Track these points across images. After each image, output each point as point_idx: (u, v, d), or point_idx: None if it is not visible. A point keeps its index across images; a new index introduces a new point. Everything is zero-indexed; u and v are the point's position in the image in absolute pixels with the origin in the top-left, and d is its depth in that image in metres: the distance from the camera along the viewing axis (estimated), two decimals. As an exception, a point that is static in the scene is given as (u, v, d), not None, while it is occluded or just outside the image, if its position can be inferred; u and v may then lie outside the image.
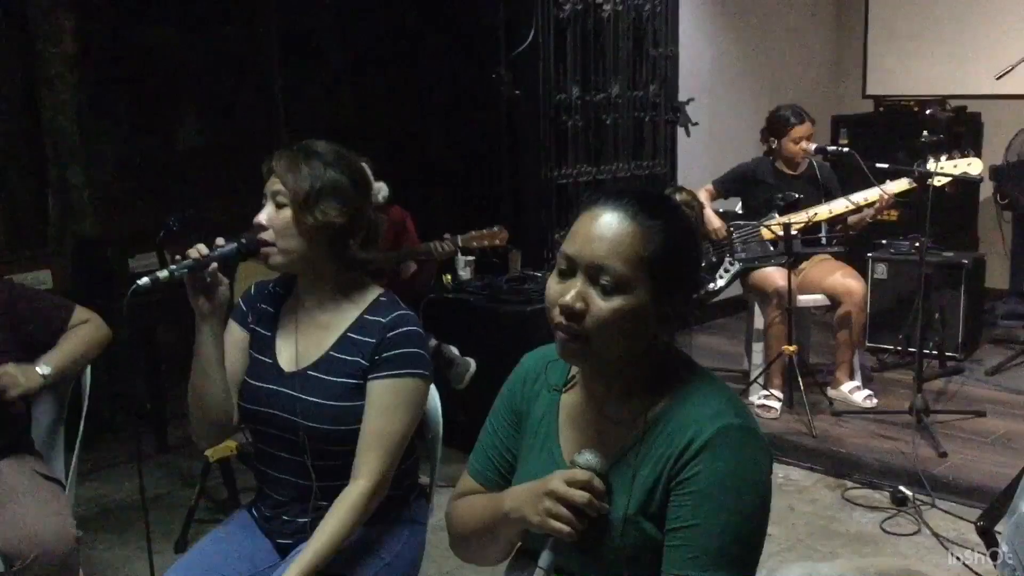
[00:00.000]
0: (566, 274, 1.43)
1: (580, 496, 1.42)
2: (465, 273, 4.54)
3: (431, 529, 2.16)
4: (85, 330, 2.63)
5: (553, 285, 1.45)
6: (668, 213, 1.45)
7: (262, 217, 1.94)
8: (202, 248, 1.88)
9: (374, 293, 2.02)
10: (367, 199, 1.99)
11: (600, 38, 5.01)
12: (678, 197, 1.54)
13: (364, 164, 2.03)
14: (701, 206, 1.57)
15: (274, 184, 1.93)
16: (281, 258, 1.93)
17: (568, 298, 1.41)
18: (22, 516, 2.33)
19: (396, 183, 3.89)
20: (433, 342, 3.95)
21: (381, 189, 2.06)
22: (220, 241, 1.91)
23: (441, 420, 2.27)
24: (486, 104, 4.91)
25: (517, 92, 4.70)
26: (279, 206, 1.92)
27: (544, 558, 1.44)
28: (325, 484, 1.96)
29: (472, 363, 3.95)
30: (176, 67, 5.03)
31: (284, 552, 2.02)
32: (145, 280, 1.83)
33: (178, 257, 1.88)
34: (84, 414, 2.69)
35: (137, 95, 4.95)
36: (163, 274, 1.83)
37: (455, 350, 4.00)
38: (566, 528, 1.42)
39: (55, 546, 2.30)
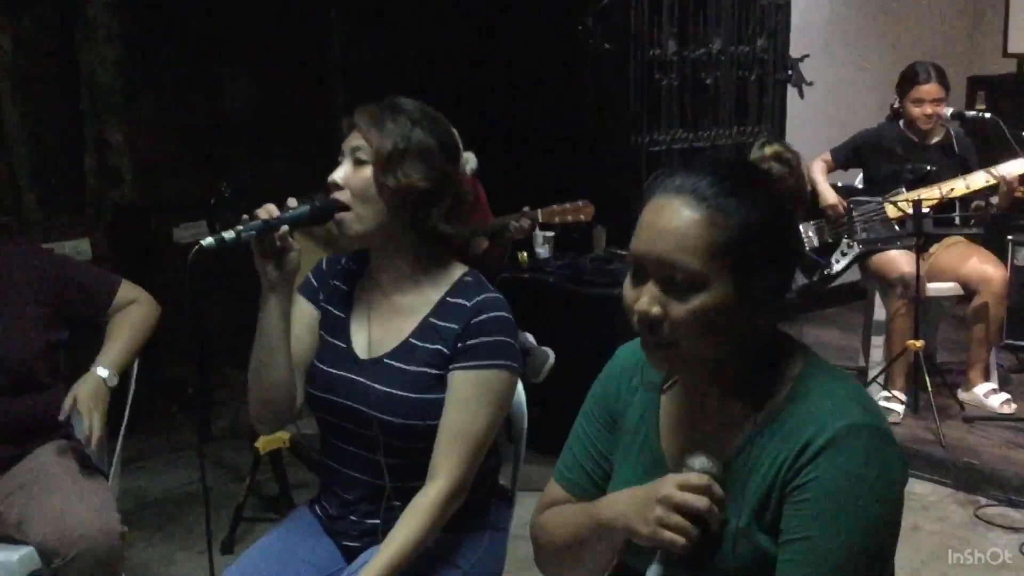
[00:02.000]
0: (638, 276, 1.41)
1: (699, 501, 1.40)
2: (543, 251, 4.54)
3: (512, 537, 2.16)
4: (136, 313, 2.67)
5: (627, 289, 1.43)
6: (743, 186, 1.41)
7: (338, 176, 1.94)
8: (272, 208, 1.89)
9: (458, 272, 2.01)
10: (455, 165, 1.99)
11: (701, -16, 4.96)
12: (766, 151, 1.50)
13: (453, 130, 2.03)
14: (796, 155, 1.52)
15: (355, 139, 1.94)
16: (357, 224, 1.93)
17: (642, 306, 1.39)
18: (63, 509, 2.37)
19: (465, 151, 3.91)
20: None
21: (469, 159, 2.06)
22: (292, 202, 1.92)
23: (526, 417, 2.27)
24: (569, 61, 4.89)
25: (606, 47, 4.66)
26: (358, 163, 1.93)
27: (652, 573, 1.43)
28: (399, 484, 1.97)
29: (551, 353, 3.94)
30: (228, 17, 5.10)
31: (350, 555, 2.04)
32: (210, 240, 1.84)
33: (245, 217, 1.88)
34: (130, 400, 2.75)
35: (183, 46, 5.02)
36: (229, 235, 1.83)
37: (531, 338, 4.00)
38: (681, 539, 1.40)
39: (99, 543, 2.34)
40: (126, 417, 2.75)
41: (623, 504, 1.49)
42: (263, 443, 3.55)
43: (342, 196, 1.93)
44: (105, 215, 4.48)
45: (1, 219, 2.65)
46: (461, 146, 2.04)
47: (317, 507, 2.14)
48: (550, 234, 4.48)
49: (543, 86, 5.32)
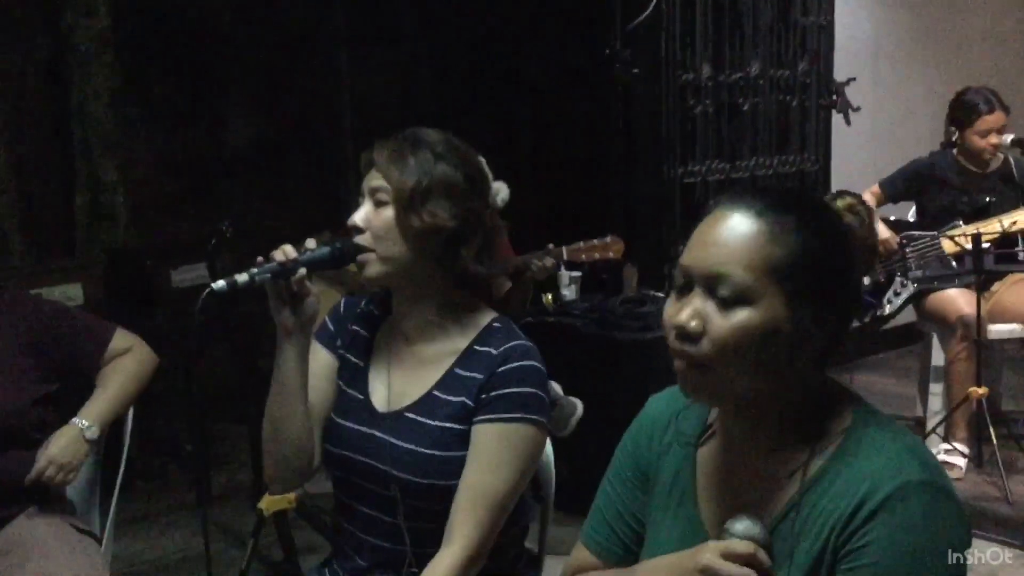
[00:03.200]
0: (683, 290, 1.43)
1: (743, 572, 1.39)
2: (569, 292, 4.53)
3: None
4: (129, 363, 2.68)
5: (670, 305, 1.44)
6: (809, 211, 1.43)
7: (358, 218, 1.94)
8: (289, 250, 1.89)
9: (487, 318, 2.02)
10: (484, 200, 1.99)
11: (737, 5, 4.98)
12: (839, 204, 1.52)
13: (481, 160, 2.03)
14: (870, 212, 1.54)
15: (374, 179, 1.94)
16: (380, 267, 1.94)
17: (682, 316, 1.40)
18: (53, 574, 2.37)
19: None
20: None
21: (500, 190, 2.05)
22: (310, 243, 1.92)
23: (554, 475, 2.26)
24: (596, 87, 4.92)
25: (635, 72, 4.69)
26: (379, 204, 1.93)
27: None
28: (420, 551, 1.95)
29: (579, 404, 3.92)
30: (227, 45, 5.16)
31: (364, 624, 2.03)
32: (221, 284, 1.84)
33: (260, 259, 1.89)
34: (124, 459, 2.75)
35: (180, 77, 5.09)
36: (242, 278, 1.84)
37: (558, 388, 3.97)
38: None
39: (89, 612, 2.35)
40: (120, 476, 2.75)
41: (660, 573, 1.48)
42: (267, 503, 3.54)
43: (363, 239, 1.93)
44: (98, 258, 4.52)
45: (-13, 264, 2.66)
46: (490, 177, 2.04)
47: (327, 571, 2.12)
48: (576, 274, 4.48)
49: (568, 114, 5.35)
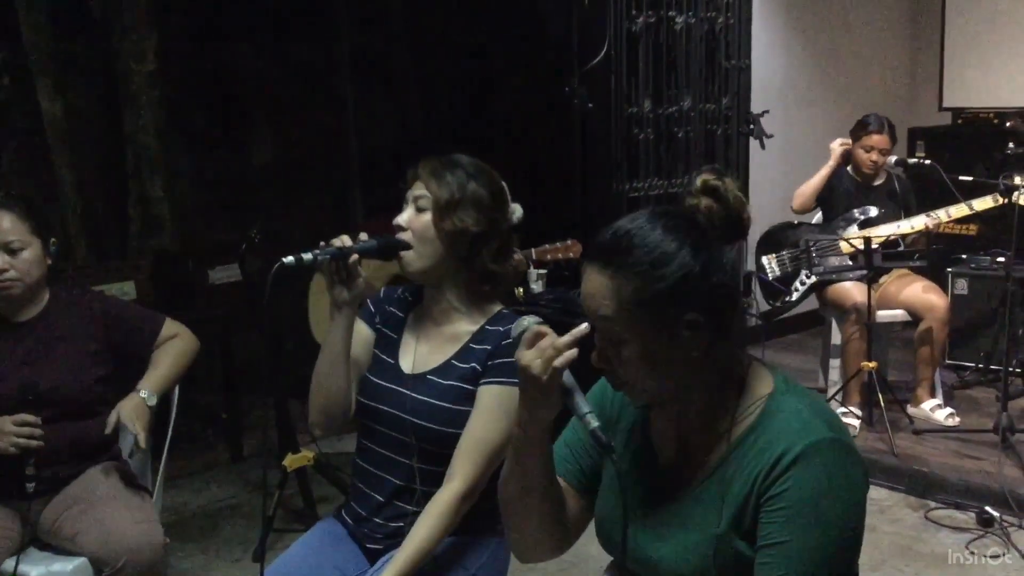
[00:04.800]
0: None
1: (546, 341, 1.41)
2: (537, 286, 4.53)
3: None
4: (177, 345, 2.68)
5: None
6: (649, 249, 1.37)
7: (402, 219, 2.00)
8: (346, 239, 1.96)
9: (498, 306, 2.07)
10: (503, 213, 2.04)
11: (672, 51, 5.00)
12: (698, 182, 1.46)
13: (503, 184, 2.08)
14: (729, 182, 1.45)
15: (417, 189, 2.00)
16: (418, 262, 1.99)
17: (594, 359, 1.42)
18: (112, 522, 2.38)
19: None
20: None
21: (516, 210, 2.10)
22: (363, 236, 1.99)
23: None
24: (557, 118, 4.92)
25: (590, 105, 4.69)
26: (419, 210, 1.99)
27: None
28: (427, 489, 1.98)
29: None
30: (251, 83, 5.15)
31: (373, 558, 2.04)
32: (290, 259, 1.90)
33: (322, 243, 1.95)
34: (172, 423, 2.75)
35: (214, 111, 5.07)
36: (307, 256, 1.90)
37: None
38: (569, 353, 1.39)
39: (144, 552, 2.34)
40: (168, 440, 2.75)
41: (520, 400, 1.47)
42: (290, 461, 3.54)
43: (405, 236, 1.98)
44: (147, 260, 4.50)
45: (58, 265, 2.64)
46: (509, 197, 2.08)
47: (344, 512, 2.14)
48: (543, 271, 4.49)
49: (535, 140, 5.35)
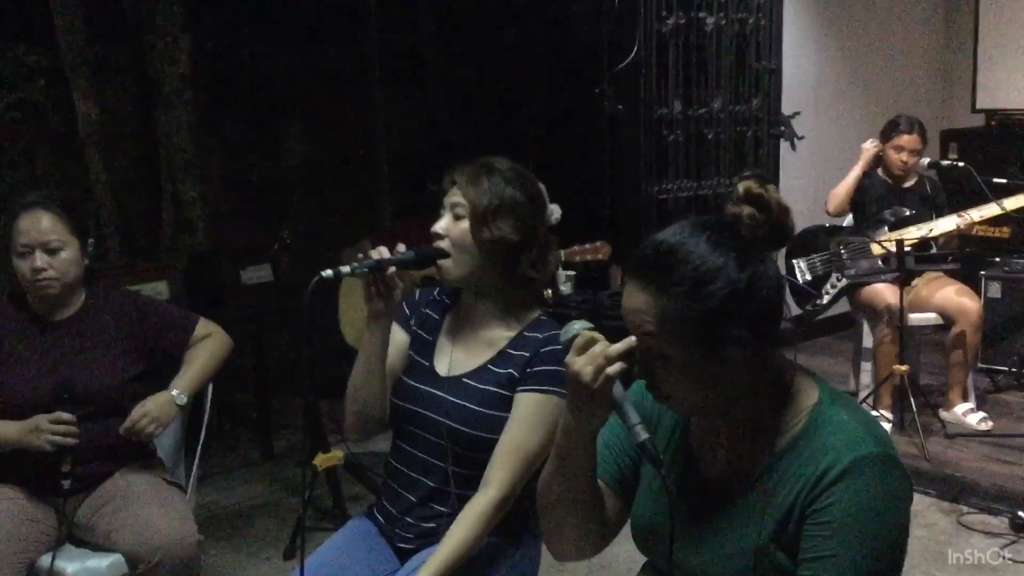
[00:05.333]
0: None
1: (598, 347, 1.38)
2: (566, 288, 4.53)
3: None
4: (211, 345, 2.70)
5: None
6: (695, 264, 1.33)
7: (439, 227, 1.98)
8: (383, 251, 1.94)
9: (536, 312, 2.05)
10: (541, 218, 2.02)
11: (702, 52, 4.97)
12: (740, 188, 1.42)
13: (541, 186, 2.05)
14: (772, 189, 1.41)
15: (454, 196, 1.98)
16: (456, 270, 1.98)
17: (636, 374, 1.40)
18: (147, 519, 2.40)
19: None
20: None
21: (554, 211, 2.08)
22: (400, 247, 1.96)
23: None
24: (587, 120, 4.92)
25: (619, 107, 4.69)
26: (457, 218, 1.97)
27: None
28: (461, 491, 1.98)
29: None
30: (282, 85, 5.18)
31: (403, 557, 2.04)
32: (329, 272, 1.87)
33: (360, 256, 1.93)
34: (205, 422, 2.77)
35: (246, 113, 5.10)
36: (345, 270, 1.88)
37: (557, 365, 4.00)
38: (617, 366, 1.37)
39: (178, 549, 2.36)
40: (202, 438, 2.77)
41: (567, 403, 1.44)
42: (320, 461, 3.55)
43: (443, 244, 1.97)
44: (181, 260, 4.54)
45: (91, 264, 2.67)
46: (547, 200, 2.06)
47: (376, 510, 2.15)
48: (572, 273, 4.49)
49: (565, 142, 5.34)
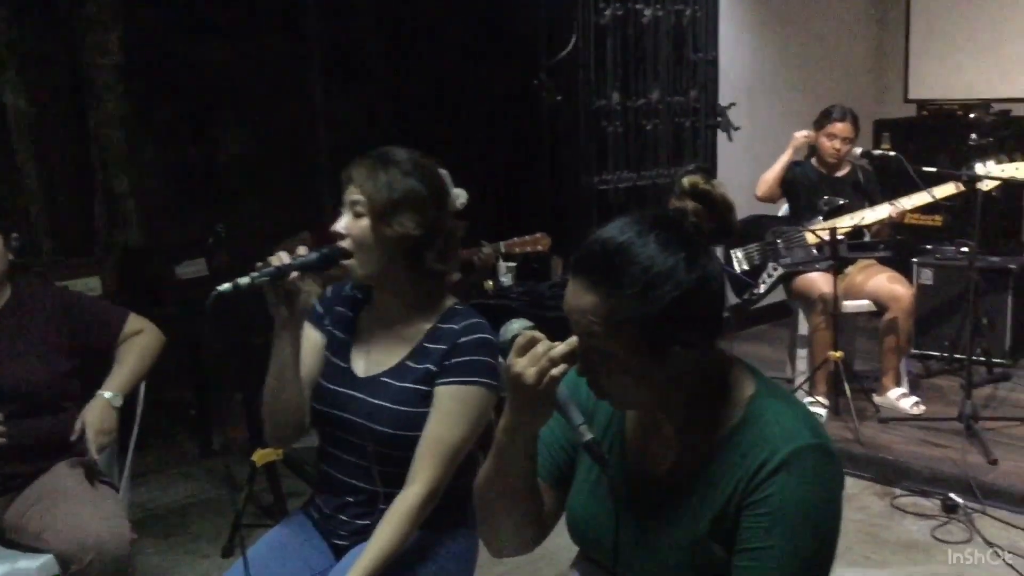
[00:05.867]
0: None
1: (540, 347, 1.37)
2: (507, 279, 4.53)
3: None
4: (143, 341, 2.65)
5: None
6: (640, 267, 1.32)
7: (340, 226, 1.94)
8: (284, 256, 1.87)
9: (449, 302, 2.02)
10: (444, 208, 1.98)
11: (640, 44, 5.01)
12: (685, 183, 1.42)
13: (443, 172, 2.02)
14: (715, 185, 1.41)
15: (352, 193, 1.93)
16: (360, 270, 1.94)
17: (577, 370, 1.38)
18: (78, 518, 2.35)
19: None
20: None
21: (460, 195, 2.04)
22: (302, 250, 1.91)
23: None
24: (527, 111, 4.92)
25: (558, 99, 4.70)
26: (357, 215, 1.92)
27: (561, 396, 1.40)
28: (389, 490, 1.95)
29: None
30: (220, 77, 5.10)
31: (339, 553, 2.03)
32: (227, 286, 1.81)
33: (259, 264, 1.87)
34: (138, 419, 2.72)
35: (182, 105, 5.02)
36: (244, 281, 1.81)
37: (500, 358, 4.00)
38: (561, 368, 1.36)
39: (111, 548, 2.31)
40: (134, 436, 2.72)
41: (507, 406, 1.43)
42: (259, 456, 3.51)
43: (346, 244, 1.92)
44: (113, 255, 4.45)
45: (20, 260, 2.61)
46: (451, 187, 2.02)
47: (312, 508, 2.12)
48: (512, 264, 4.49)
49: (504, 134, 5.35)
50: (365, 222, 1.91)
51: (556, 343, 1.39)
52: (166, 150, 4.99)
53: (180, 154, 5.02)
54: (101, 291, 3.90)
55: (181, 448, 4.48)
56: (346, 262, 1.93)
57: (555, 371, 1.36)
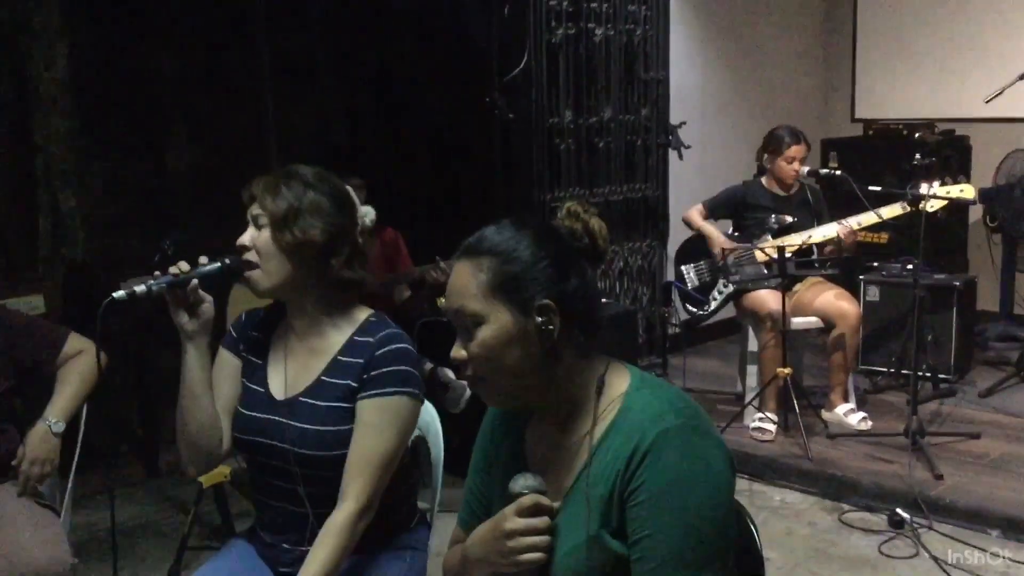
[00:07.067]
0: (457, 332, 1.51)
1: (540, 521, 1.46)
2: (459, 296, 4.52)
3: (434, 555, 2.12)
4: (82, 363, 2.60)
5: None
6: (505, 239, 1.48)
7: (244, 239, 1.93)
8: (183, 265, 1.87)
9: (364, 314, 2.00)
10: (350, 219, 1.97)
11: (592, 62, 5.04)
12: (567, 207, 1.55)
13: (349, 187, 2.02)
14: (590, 213, 1.55)
15: (255, 208, 1.93)
16: (266, 280, 1.92)
17: (452, 353, 1.49)
18: (17, 543, 2.31)
19: (388, 207, 3.88)
20: (428, 366, 3.93)
21: (368, 213, 2.04)
22: (203, 259, 1.90)
23: (442, 444, 2.25)
24: (479, 128, 4.92)
25: (511, 116, 4.70)
26: (260, 228, 1.92)
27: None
28: (321, 511, 1.92)
29: (467, 386, 3.93)
30: (167, 91, 5.03)
31: (284, 580, 1.99)
32: (121, 293, 1.80)
33: (157, 273, 1.85)
34: (80, 441, 2.66)
35: (129, 119, 4.94)
36: (140, 288, 1.80)
37: (451, 373, 3.98)
38: (539, 556, 1.46)
39: (50, 573, 2.27)
40: (76, 457, 2.66)
41: (480, 545, 1.52)
42: (206, 478, 3.45)
43: (250, 256, 1.91)
44: (58, 272, 4.37)
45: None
46: (357, 202, 2.02)
47: (254, 537, 2.09)
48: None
49: (457, 150, 5.34)
50: (266, 232, 1.91)
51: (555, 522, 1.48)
52: (113, 164, 4.90)
53: (127, 168, 4.93)
54: (44, 308, 3.83)
55: (126, 469, 4.39)
56: (250, 273, 1.91)
57: (533, 557, 1.46)
